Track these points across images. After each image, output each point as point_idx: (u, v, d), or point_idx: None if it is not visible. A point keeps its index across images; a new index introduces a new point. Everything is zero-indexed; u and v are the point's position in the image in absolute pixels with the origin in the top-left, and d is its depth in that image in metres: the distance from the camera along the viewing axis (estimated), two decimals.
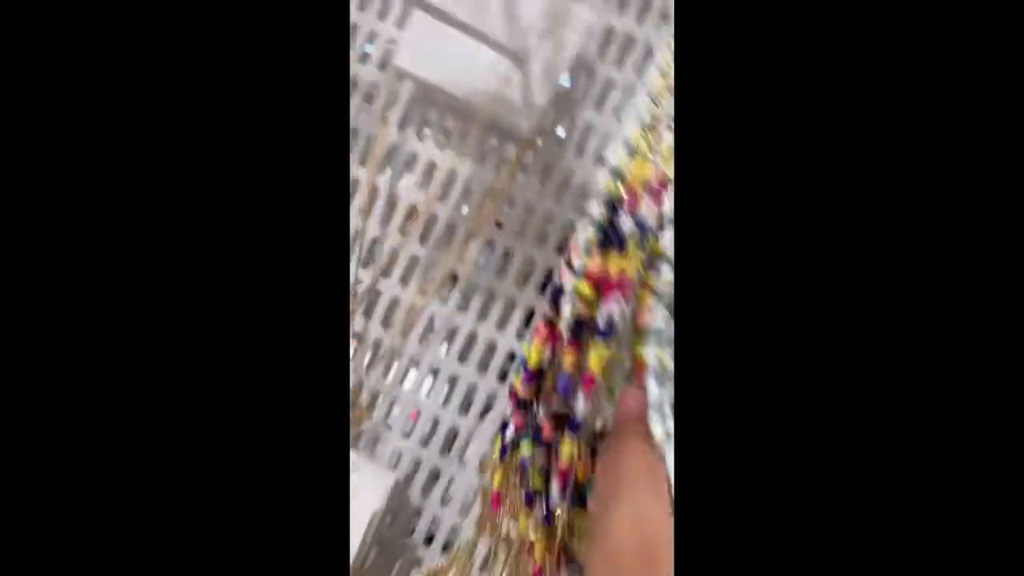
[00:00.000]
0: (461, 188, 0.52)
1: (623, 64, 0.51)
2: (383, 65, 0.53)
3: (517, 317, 0.51)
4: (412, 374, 0.52)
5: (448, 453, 0.51)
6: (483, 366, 0.51)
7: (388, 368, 0.52)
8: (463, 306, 0.52)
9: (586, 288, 0.34)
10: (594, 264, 0.34)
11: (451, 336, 0.52)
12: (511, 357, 0.51)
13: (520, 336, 0.51)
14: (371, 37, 0.53)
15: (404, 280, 0.52)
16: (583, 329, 0.34)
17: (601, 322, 0.33)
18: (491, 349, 0.51)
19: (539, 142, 0.51)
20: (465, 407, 0.51)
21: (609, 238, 0.34)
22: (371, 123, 0.52)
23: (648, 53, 0.51)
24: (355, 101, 0.53)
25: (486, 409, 0.51)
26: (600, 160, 0.51)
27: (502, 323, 0.51)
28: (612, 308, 0.33)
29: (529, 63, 0.47)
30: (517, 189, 0.51)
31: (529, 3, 0.39)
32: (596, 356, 0.33)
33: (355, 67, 0.53)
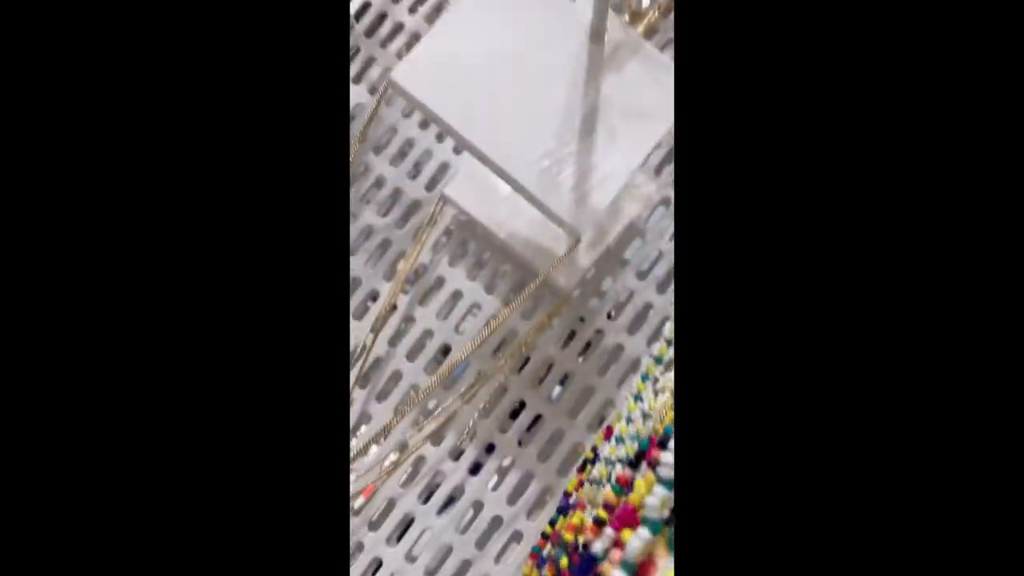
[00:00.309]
0: (482, 325, 0.49)
1: (665, 234, 0.50)
2: (431, 187, 0.51)
3: (512, 478, 0.46)
4: (385, 517, 0.46)
5: None
6: (461, 528, 0.45)
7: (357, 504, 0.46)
8: (455, 456, 0.47)
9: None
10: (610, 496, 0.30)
11: (434, 481, 0.46)
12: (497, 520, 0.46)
13: (511, 502, 0.46)
14: (426, 155, 0.52)
15: (399, 411, 0.47)
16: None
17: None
18: (477, 507, 0.46)
19: (575, 296, 0.48)
20: (436, 568, 0.45)
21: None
22: (405, 239, 0.50)
23: None
24: (395, 213, 0.51)
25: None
26: (634, 329, 0.48)
27: (494, 484, 0.46)
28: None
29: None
30: (541, 340, 0.48)
31: (601, 195, 0.38)
32: None
33: (401, 179, 0.51)
